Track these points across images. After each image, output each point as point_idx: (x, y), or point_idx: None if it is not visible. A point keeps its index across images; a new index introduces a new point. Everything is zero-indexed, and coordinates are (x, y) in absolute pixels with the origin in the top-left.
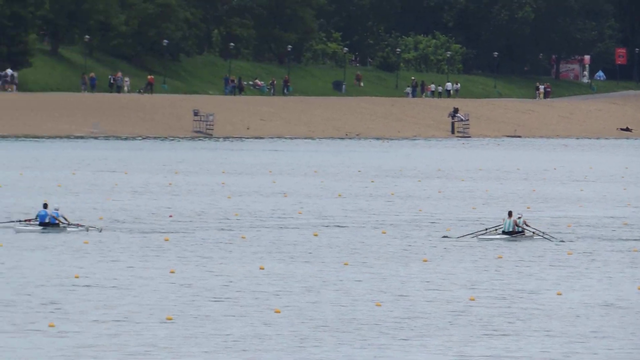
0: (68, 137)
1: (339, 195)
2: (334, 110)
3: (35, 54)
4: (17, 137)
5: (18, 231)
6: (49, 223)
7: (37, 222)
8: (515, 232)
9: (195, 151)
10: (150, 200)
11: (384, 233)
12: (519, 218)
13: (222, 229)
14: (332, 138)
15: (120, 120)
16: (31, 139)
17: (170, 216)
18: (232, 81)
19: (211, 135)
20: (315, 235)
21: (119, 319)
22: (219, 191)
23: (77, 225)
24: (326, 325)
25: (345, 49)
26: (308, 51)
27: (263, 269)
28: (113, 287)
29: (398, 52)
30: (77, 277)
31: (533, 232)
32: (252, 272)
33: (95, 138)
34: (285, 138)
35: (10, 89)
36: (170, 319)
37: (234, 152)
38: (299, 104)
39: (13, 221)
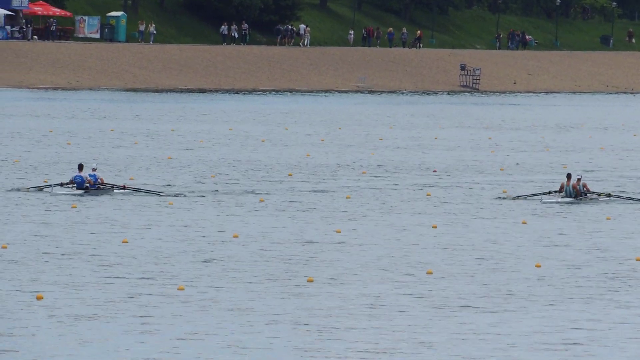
0: (332, 91)
1: (601, 149)
2: (601, 65)
3: (304, 8)
4: (280, 91)
5: (53, 194)
6: (87, 188)
7: (74, 187)
8: (578, 196)
9: (462, 105)
10: (415, 154)
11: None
12: (579, 180)
13: (484, 183)
14: (599, 93)
15: (386, 75)
16: (296, 94)
17: (435, 171)
18: (518, 35)
19: (477, 89)
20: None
21: (379, 277)
22: (484, 146)
23: (122, 188)
24: (585, 283)
25: (614, 3)
26: (576, 5)
27: (525, 223)
28: (371, 242)
29: None
30: (338, 232)
31: (598, 195)
32: (513, 226)
33: (361, 92)
34: (552, 92)
35: (302, 43)
36: (430, 273)
37: (501, 107)
38: (566, 59)
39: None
